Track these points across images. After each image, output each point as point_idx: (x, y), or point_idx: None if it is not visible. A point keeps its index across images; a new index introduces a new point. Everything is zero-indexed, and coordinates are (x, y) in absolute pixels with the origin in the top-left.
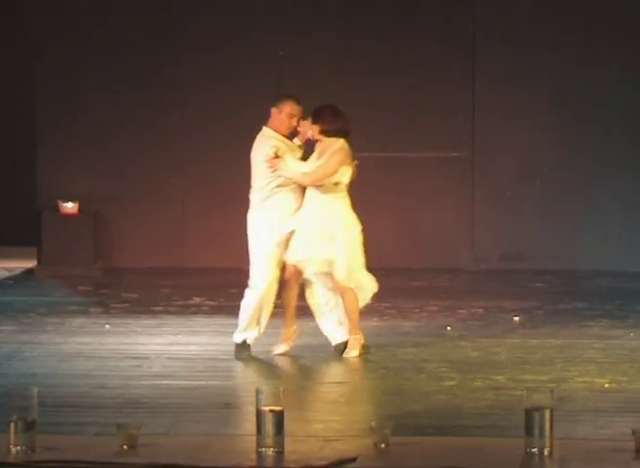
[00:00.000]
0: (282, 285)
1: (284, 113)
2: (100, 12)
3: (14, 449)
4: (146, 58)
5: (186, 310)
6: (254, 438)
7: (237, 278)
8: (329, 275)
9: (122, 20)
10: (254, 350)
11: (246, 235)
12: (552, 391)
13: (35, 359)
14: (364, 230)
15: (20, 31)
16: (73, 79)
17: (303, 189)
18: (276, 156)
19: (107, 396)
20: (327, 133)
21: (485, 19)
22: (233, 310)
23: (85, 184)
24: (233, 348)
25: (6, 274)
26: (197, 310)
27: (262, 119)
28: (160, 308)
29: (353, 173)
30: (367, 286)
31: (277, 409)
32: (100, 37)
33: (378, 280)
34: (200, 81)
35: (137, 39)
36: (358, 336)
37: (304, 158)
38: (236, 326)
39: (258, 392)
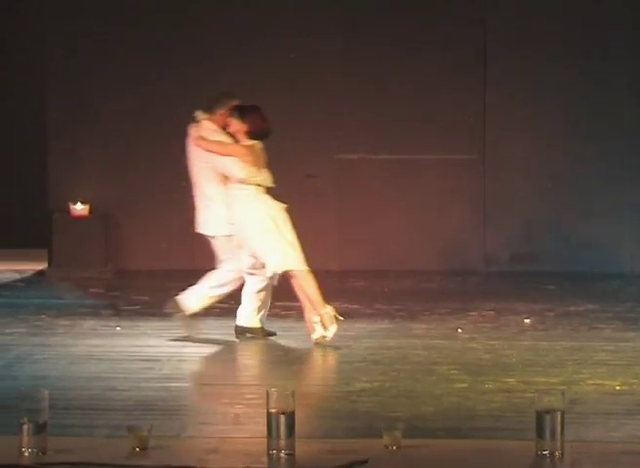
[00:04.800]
0: None
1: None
2: (112, 16)
3: (25, 452)
4: (157, 63)
5: (197, 312)
6: (264, 440)
7: None
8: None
9: (133, 25)
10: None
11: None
12: (563, 393)
13: (46, 361)
14: (375, 232)
15: (32, 34)
16: (85, 82)
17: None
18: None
19: (118, 398)
20: (252, 135)
21: (496, 22)
22: None
23: (96, 187)
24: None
25: (17, 276)
26: (208, 312)
27: (272, 120)
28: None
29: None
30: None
31: (288, 411)
32: (111, 41)
33: (389, 282)
34: (211, 84)
35: (148, 44)
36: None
37: None
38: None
39: (268, 394)
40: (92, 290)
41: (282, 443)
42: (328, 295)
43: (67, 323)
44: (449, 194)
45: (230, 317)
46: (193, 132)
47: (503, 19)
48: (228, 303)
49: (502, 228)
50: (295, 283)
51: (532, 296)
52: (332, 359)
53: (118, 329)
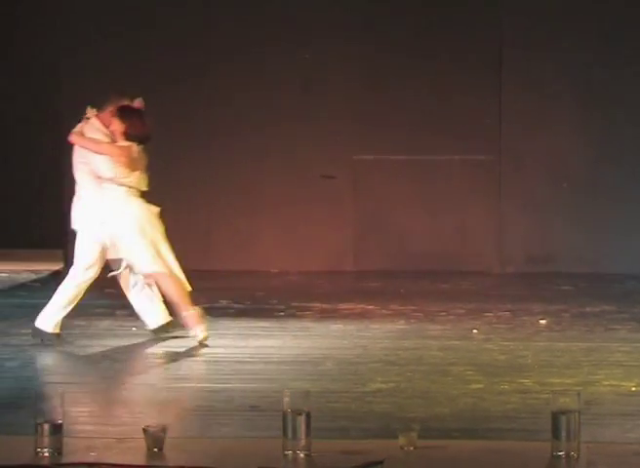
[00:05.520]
0: None
1: None
2: (129, 13)
3: (41, 452)
4: (174, 62)
5: (212, 313)
6: (280, 441)
7: (264, 280)
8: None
9: (150, 23)
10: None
11: (271, 237)
12: (579, 394)
13: (62, 361)
14: (391, 233)
15: (48, 31)
16: (99, 81)
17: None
18: None
19: (134, 399)
20: (129, 136)
21: (512, 24)
22: (260, 313)
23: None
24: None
25: (33, 276)
26: (223, 313)
27: (289, 122)
28: None
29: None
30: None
31: (304, 411)
32: (127, 38)
33: (405, 283)
34: (227, 85)
35: (164, 43)
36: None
37: None
38: (262, 328)
39: (284, 394)
40: (107, 290)
41: (298, 443)
42: (344, 296)
43: (83, 323)
44: (465, 195)
45: (246, 317)
46: (77, 127)
47: (519, 21)
48: (244, 304)
49: (518, 229)
50: (160, 285)
51: (547, 297)
52: (347, 360)
53: (134, 329)
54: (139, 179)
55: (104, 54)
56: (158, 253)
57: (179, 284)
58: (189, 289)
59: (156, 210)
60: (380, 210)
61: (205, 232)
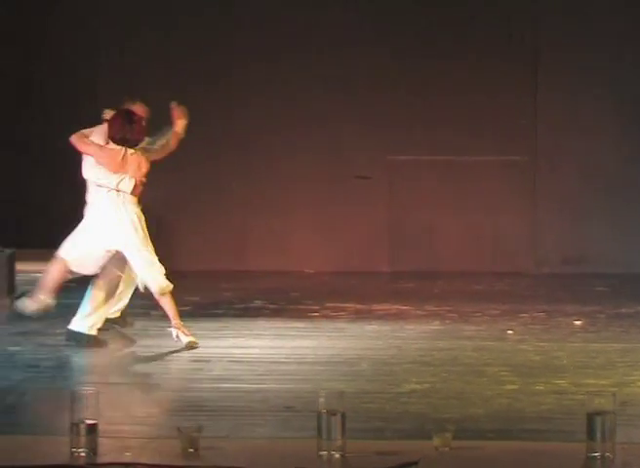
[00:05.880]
0: None
1: None
2: (159, 15)
3: (76, 452)
4: (211, 59)
5: (248, 313)
6: (315, 441)
7: (298, 281)
8: None
9: (180, 24)
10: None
11: (306, 237)
12: (614, 395)
13: (97, 361)
14: (425, 234)
15: (79, 32)
16: (134, 81)
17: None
18: None
19: (168, 399)
20: (110, 138)
21: (548, 23)
22: (295, 313)
23: (146, 188)
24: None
25: (68, 277)
26: (258, 313)
27: (324, 122)
28: (221, 311)
29: (138, 186)
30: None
31: (339, 412)
32: (159, 36)
33: (439, 283)
34: (261, 85)
35: (200, 38)
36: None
37: None
38: (297, 329)
39: (319, 395)
40: (142, 290)
41: (332, 444)
42: (378, 297)
43: (118, 324)
44: (500, 195)
45: (280, 318)
46: (87, 129)
47: (556, 21)
48: (279, 304)
49: (553, 230)
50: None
51: (582, 298)
52: (381, 360)
53: (169, 330)
54: (121, 182)
55: (135, 57)
56: (82, 255)
57: (62, 275)
58: (171, 287)
59: (136, 216)
60: (415, 210)
61: (240, 233)
